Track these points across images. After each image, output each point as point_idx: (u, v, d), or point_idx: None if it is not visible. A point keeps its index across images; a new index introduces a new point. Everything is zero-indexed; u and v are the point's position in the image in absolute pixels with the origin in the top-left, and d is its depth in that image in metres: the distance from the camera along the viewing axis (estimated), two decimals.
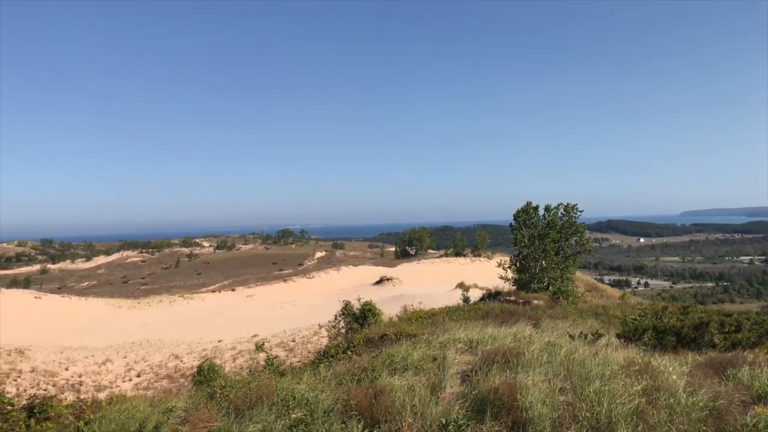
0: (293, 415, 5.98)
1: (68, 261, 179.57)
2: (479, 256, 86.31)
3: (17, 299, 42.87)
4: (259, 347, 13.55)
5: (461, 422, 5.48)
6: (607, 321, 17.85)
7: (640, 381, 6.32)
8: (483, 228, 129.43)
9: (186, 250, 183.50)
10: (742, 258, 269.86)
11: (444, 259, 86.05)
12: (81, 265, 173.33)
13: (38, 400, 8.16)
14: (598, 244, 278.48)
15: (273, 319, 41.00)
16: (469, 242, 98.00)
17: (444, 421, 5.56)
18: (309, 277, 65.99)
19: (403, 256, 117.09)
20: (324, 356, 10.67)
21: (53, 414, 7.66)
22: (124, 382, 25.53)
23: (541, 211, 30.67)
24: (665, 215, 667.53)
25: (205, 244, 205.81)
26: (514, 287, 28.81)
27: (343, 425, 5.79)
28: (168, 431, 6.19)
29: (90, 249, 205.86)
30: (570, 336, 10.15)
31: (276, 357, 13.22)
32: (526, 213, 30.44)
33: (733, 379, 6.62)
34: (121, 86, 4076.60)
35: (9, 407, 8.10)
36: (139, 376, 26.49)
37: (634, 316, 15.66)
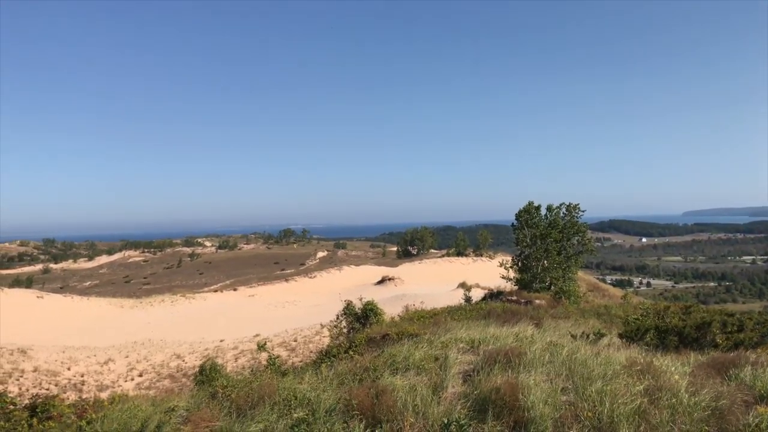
0: (295, 415, 5.98)
1: (70, 261, 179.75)
2: (481, 255, 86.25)
3: (19, 299, 42.92)
4: (261, 347, 13.55)
5: (463, 422, 5.47)
6: (609, 321, 17.84)
7: (642, 381, 6.31)
8: (485, 228, 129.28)
9: (188, 250, 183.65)
10: (744, 258, 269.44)
11: (446, 258, 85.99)
12: (83, 264, 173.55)
13: (40, 400, 8.17)
14: (600, 244, 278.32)
15: (275, 319, 41.02)
16: (470, 242, 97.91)
17: (446, 421, 5.56)
18: (311, 277, 66.01)
19: (405, 255, 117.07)
20: (326, 356, 10.67)
21: (55, 413, 7.67)
22: (126, 381, 25.56)
23: (543, 211, 30.67)
24: (667, 215, 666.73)
25: (207, 243, 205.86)
26: (516, 287, 28.79)
27: (345, 425, 5.79)
28: (170, 431, 6.20)
29: (92, 249, 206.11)
30: (572, 336, 10.14)
31: (278, 357, 13.22)
32: (528, 213, 30.43)
33: (736, 379, 6.61)
34: (121, 86, 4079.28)
35: (11, 407, 8.12)
36: (141, 375, 26.52)
37: (636, 316, 15.64)
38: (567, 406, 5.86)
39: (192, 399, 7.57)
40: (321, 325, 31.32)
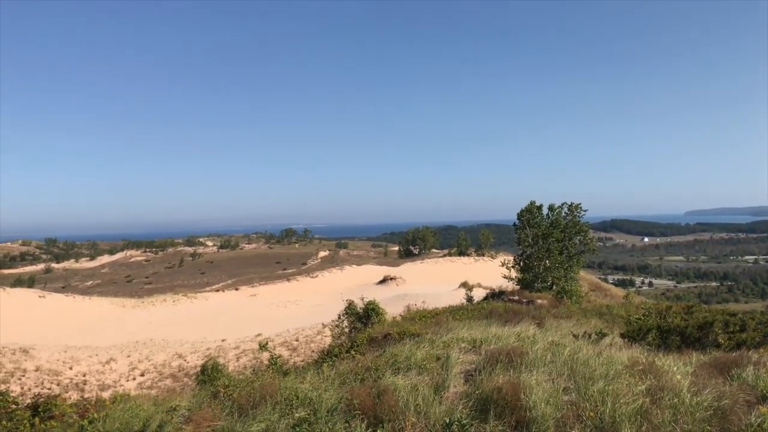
0: (297, 415, 5.98)
1: (72, 260, 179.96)
2: (483, 255, 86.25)
3: (21, 298, 43.01)
4: (263, 346, 13.56)
5: (465, 422, 5.47)
6: (611, 320, 17.83)
7: (644, 381, 6.30)
8: (486, 227, 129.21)
9: (190, 250, 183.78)
10: (746, 257, 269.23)
11: (447, 258, 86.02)
12: (85, 264, 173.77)
13: (42, 399, 8.18)
14: (601, 244, 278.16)
15: (276, 319, 41.06)
16: (472, 241, 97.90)
17: (447, 421, 5.55)
18: (312, 277, 66.05)
19: (407, 255, 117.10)
20: (327, 355, 10.67)
21: (57, 413, 7.68)
22: (127, 381, 25.59)
23: (545, 211, 30.65)
24: (669, 215, 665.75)
25: (209, 243, 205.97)
26: (518, 287, 28.77)
27: (347, 424, 5.78)
28: (171, 430, 6.20)
29: (94, 248, 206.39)
30: (574, 335, 10.14)
31: (279, 356, 13.22)
32: (530, 212, 30.42)
33: (738, 379, 6.60)
34: (121, 86, 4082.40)
35: (13, 406, 8.13)
36: (142, 375, 26.55)
37: (638, 316, 15.65)
38: (569, 406, 5.86)
39: (194, 398, 7.57)
40: (323, 324, 31.35)
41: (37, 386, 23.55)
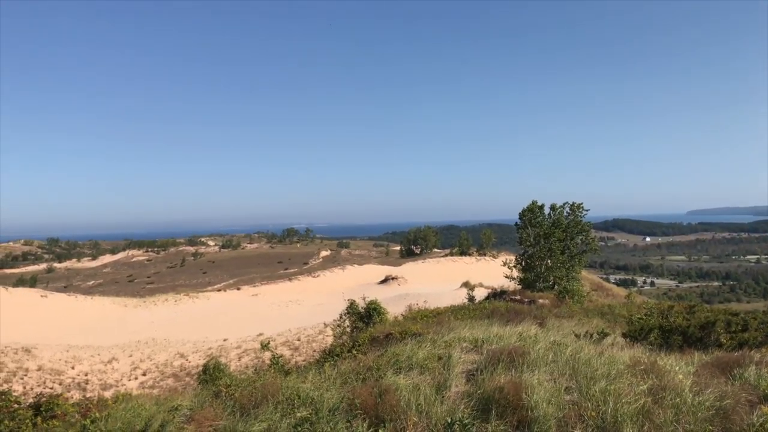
0: (298, 414, 5.98)
1: (74, 260, 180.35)
2: (484, 255, 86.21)
3: (24, 298, 43.06)
4: (265, 346, 13.55)
5: (466, 421, 5.47)
6: (613, 320, 17.81)
7: (646, 380, 6.30)
8: (488, 227, 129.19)
9: (191, 249, 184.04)
10: (748, 257, 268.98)
11: (449, 258, 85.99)
12: (87, 264, 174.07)
13: (45, 399, 8.18)
14: (603, 243, 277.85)
15: (278, 318, 41.07)
16: (474, 241, 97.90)
17: (449, 420, 5.55)
18: (314, 276, 66.05)
19: (408, 255, 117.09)
20: (329, 355, 10.68)
21: (59, 412, 7.68)
22: (129, 380, 25.62)
23: (547, 210, 30.63)
24: (671, 214, 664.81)
25: (211, 243, 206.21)
26: (520, 286, 28.77)
27: (348, 424, 5.78)
28: (173, 430, 6.20)
29: (96, 248, 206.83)
30: (575, 335, 10.13)
31: (281, 356, 13.22)
32: (532, 212, 30.40)
33: (740, 379, 6.59)
34: (121, 86, 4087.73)
35: (16, 405, 8.13)
36: (144, 374, 26.58)
37: (640, 316, 15.62)
38: (570, 406, 5.85)
39: (195, 398, 7.57)
40: (324, 324, 31.36)
41: (39, 386, 23.59)
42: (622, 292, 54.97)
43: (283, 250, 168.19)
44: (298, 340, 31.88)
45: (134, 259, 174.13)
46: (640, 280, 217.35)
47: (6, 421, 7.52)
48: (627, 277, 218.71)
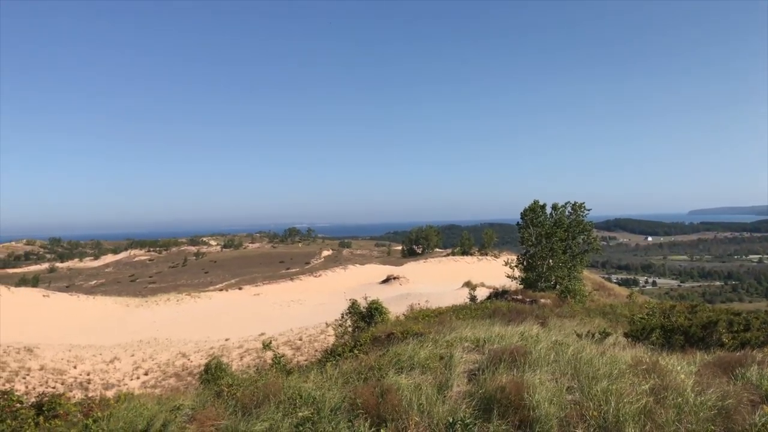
0: (300, 414, 5.99)
1: (76, 259, 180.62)
2: (486, 254, 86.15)
3: (26, 298, 43.12)
4: (267, 346, 13.58)
5: (468, 421, 5.47)
6: (615, 320, 17.80)
7: (647, 380, 6.30)
8: (490, 226, 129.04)
9: (193, 249, 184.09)
10: (751, 257, 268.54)
11: (451, 257, 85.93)
12: (89, 263, 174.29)
13: (47, 398, 8.19)
14: (605, 243, 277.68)
15: (280, 318, 41.09)
16: (476, 241, 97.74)
17: (451, 420, 5.55)
18: (316, 276, 66.06)
19: (410, 254, 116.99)
20: (331, 355, 10.68)
21: (62, 412, 7.68)
22: (131, 380, 25.66)
23: (549, 210, 30.59)
24: (673, 214, 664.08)
25: (213, 242, 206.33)
26: (521, 286, 28.74)
27: (350, 424, 5.79)
28: (175, 429, 6.22)
29: (98, 248, 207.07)
30: (577, 335, 10.12)
31: (283, 355, 13.24)
32: (534, 211, 30.37)
33: (742, 379, 6.59)
34: (121, 86, 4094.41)
35: (18, 405, 8.14)
36: (146, 374, 26.61)
37: (641, 315, 15.62)
38: (572, 405, 5.85)
39: (197, 398, 7.59)
40: (326, 324, 31.35)
41: (41, 385, 23.63)
42: (623, 291, 54.93)
43: (285, 249, 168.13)
44: (300, 339, 31.90)
45: (136, 259, 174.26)
46: (641, 279, 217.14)
47: (8, 421, 7.53)
48: (629, 276, 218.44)
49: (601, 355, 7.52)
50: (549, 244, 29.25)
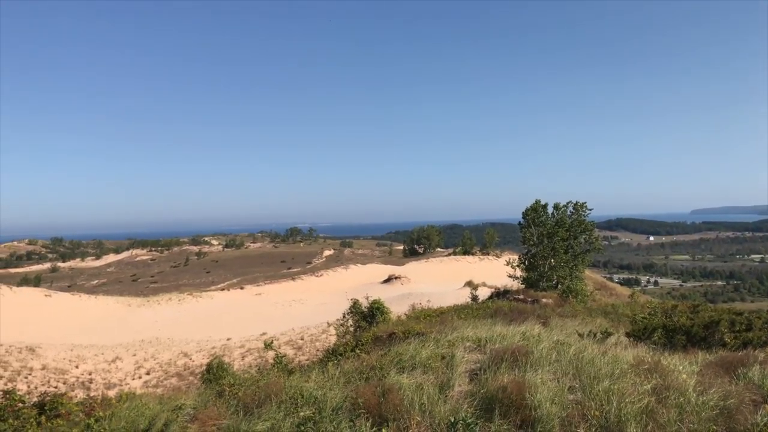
0: (302, 413, 5.99)
1: (78, 259, 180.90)
2: (488, 254, 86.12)
3: (28, 297, 43.20)
4: (268, 345, 13.59)
5: (470, 421, 5.47)
6: (617, 320, 17.78)
7: (649, 380, 6.29)
8: (491, 226, 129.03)
9: (195, 249, 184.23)
10: (753, 256, 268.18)
11: (452, 257, 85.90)
12: (91, 263, 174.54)
13: (49, 398, 8.20)
14: (607, 243, 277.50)
15: (281, 318, 41.12)
16: (477, 240, 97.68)
17: (452, 420, 5.55)
18: (317, 276, 66.08)
19: (412, 254, 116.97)
20: (332, 354, 10.68)
21: (64, 411, 7.69)
22: (133, 379, 25.69)
23: (550, 210, 30.55)
24: (675, 213, 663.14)
25: (214, 242, 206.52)
26: (523, 286, 28.70)
27: (351, 423, 5.79)
28: (177, 429, 6.22)
29: (100, 247, 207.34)
30: (579, 334, 10.12)
31: (284, 355, 13.24)
32: (535, 211, 30.32)
33: (744, 378, 6.58)
34: (121, 86, 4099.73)
35: (20, 404, 8.15)
36: (148, 373, 26.64)
37: (643, 315, 15.60)
38: (574, 405, 5.85)
39: (199, 397, 7.60)
40: (327, 323, 31.34)
41: (43, 385, 23.66)
42: (625, 291, 54.88)
43: (287, 249, 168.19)
44: (302, 339, 31.91)
45: (138, 259, 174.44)
46: (643, 279, 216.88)
47: (11, 420, 7.54)
48: (630, 276, 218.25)
49: (603, 355, 7.51)
50: (551, 243, 29.21)
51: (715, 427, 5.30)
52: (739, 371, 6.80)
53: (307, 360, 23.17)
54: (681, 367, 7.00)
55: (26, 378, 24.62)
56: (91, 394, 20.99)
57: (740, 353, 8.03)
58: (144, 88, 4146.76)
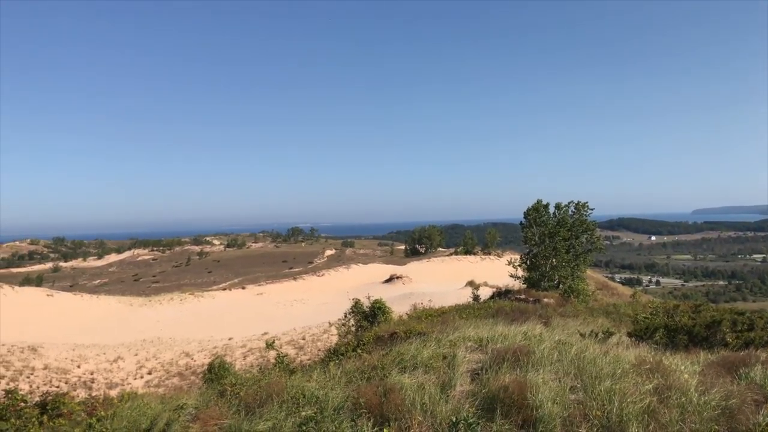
0: (303, 413, 5.99)
1: (80, 259, 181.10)
2: (489, 254, 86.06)
3: (30, 297, 43.25)
4: (270, 345, 13.58)
5: (471, 420, 5.47)
6: (618, 319, 17.75)
7: (651, 380, 6.29)
8: (493, 226, 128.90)
9: (197, 248, 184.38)
10: (754, 256, 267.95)
11: (454, 257, 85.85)
12: (93, 263, 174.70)
13: (51, 397, 8.23)
14: (608, 242, 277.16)
15: (283, 317, 41.13)
16: (479, 240, 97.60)
17: (454, 420, 5.55)
18: (319, 275, 66.09)
19: (413, 254, 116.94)
20: (334, 354, 10.68)
21: (66, 411, 7.71)
22: (135, 379, 25.71)
23: (552, 209, 30.54)
24: (677, 213, 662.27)
25: (216, 242, 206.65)
26: (525, 285, 28.68)
27: (353, 423, 5.79)
28: (179, 428, 6.23)
29: (101, 247, 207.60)
30: (581, 334, 10.11)
31: (286, 355, 13.24)
32: (537, 211, 30.31)
33: (746, 378, 6.57)
34: (121, 86, 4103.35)
35: (22, 404, 8.17)
36: (150, 373, 26.66)
37: (645, 315, 15.58)
38: (575, 405, 5.85)
39: (201, 397, 7.61)
40: (329, 323, 31.36)
41: (45, 384, 23.69)
42: (627, 291, 54.79)
43: (288, 249, 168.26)
44: (303, 339, 31.92)
45: (140, 258, 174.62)
46: (645, 279, 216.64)
47: (13, 420, 7.56)
48: (632, 276, 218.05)
49: (605, 355, 7.51)
50: (552, 243, 29.19)
51: (717, 427, 5.30)
52: (741, 371, 6.79)
53: (308, 360, 23.17)
54: (683, 367, 6.99)
55: (28, 377, 24.65)
56: (93, 394, 21.02)
57: (742, 353, 8.02)
58: (144, 88, 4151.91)
